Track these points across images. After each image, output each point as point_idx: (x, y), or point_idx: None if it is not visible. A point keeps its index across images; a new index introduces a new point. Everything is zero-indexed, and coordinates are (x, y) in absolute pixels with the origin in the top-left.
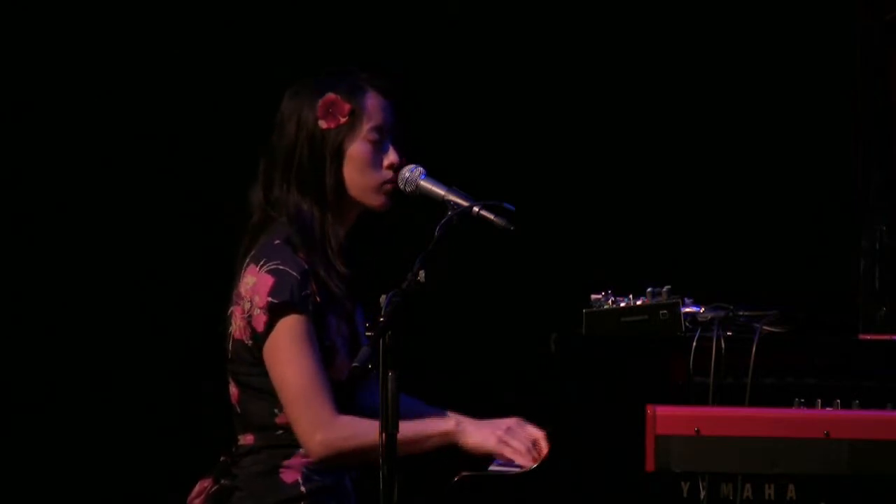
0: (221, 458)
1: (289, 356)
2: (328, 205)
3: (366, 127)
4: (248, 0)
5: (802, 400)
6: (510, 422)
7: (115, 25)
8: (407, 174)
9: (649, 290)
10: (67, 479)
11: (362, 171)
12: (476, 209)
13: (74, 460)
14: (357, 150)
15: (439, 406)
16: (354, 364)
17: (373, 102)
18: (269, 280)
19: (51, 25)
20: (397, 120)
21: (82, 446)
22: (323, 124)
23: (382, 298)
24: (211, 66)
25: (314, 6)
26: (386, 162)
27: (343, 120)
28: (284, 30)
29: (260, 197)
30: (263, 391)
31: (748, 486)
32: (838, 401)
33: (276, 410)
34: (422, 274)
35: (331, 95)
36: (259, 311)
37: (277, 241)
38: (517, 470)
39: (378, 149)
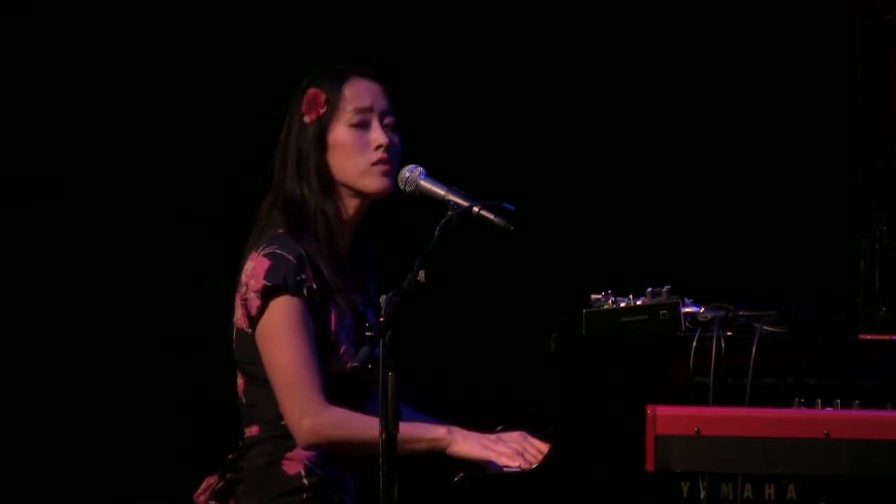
0: (229, 456)
1: (281, 339)
2: (322, 193)
3: (344, 111)
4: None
5: (802, 400)
6: (507, 434)
7: (113, 25)
8: (407, 174)
9: (649, 290)
10: (73, 479)
11: (348, 155)
12: (476, 209)
13: (80, 459)
14: (338, 135)
15: (439, 408)
16: (353, 363)
17: (352, 88)
18: (265, 263)
19: (50, 25)
20: (388, 104)
21: (88, 445)
22: (307, 119)
23: (382, 298)
24: (215, 64)
25: (314, 6)
26: (372, 143)
27: (322, 111)
28: (284, 31)
29: (269, 199)
30: (269, 380)
31: (748, 486)
32: (838, 401)
33: None
34: (422, 274)
35: (312, 91)
36: (254, 294)
37: (279, 230)
38: (517, 469)
39: (361, 131)
